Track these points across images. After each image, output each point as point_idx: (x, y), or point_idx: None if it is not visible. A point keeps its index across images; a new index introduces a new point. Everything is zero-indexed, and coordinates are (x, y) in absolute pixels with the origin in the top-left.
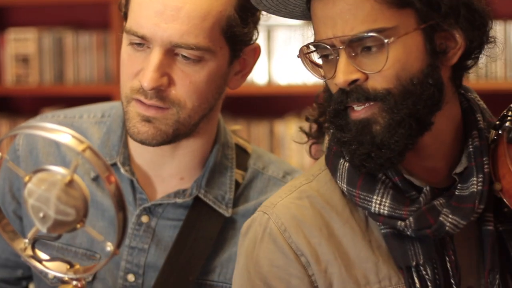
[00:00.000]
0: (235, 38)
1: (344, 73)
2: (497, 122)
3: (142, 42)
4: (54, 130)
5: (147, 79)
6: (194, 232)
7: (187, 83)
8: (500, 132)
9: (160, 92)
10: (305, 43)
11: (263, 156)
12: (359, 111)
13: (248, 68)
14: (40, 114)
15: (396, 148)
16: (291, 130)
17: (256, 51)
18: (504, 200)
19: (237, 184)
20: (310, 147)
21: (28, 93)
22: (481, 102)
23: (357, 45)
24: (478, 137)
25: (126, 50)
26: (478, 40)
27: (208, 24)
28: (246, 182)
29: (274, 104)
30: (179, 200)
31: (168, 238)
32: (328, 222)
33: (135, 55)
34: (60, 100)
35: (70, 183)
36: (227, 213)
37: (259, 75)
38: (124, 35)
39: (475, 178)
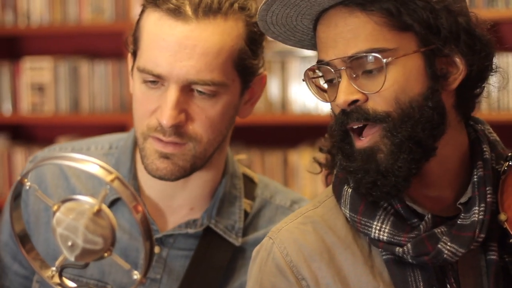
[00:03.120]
0: (246, 70)
1: (345, 93)
2: (510, 154)
3: (157, 80)
4: (83, 160)
5: (166, 117)
6: (205, 262)
7: (203, 117)
8: (510, 163)
9: (179, 129)
10: (309, 66)
11: (269, 186)
12: (363, 140)
13: (256, 96)
14: (49, 147)
15: (400, 174)
16: (305, 160)
17: (263, 79)
18: (509, 230)
19: (246, 214)
20: (326, 177)
21: (44, 122)
22: (493, 134)
23: (358, 66)
24: (483, 168)
25: (139, 88)
26: (479, 65)
27: (222, 59)
28: (255, 212)
29: (288, 134)
30: (190, 231)
31: (180, 268)
32: (330, 247)
33: (149, 92)
34: (75, 128)
35: (98, 213)
36: (237, 242)
37: (273, 105)
38: (136, 73)
39: (477, 208)
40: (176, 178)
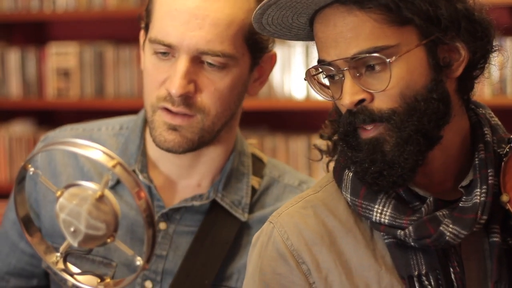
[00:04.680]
0: (256, 45)
1: (350, 94)
2: (511, 136)
3: (167, 51)
4: (86, 146)
5: (175, 85)
6: (210, 236)
7: (212, 89)
8: None
9: (187, 99)
10: (311, 66)
11: (278, 166)
12: (369, 130)
13: (265, 75)
14: (59, 127)
15: (406, 165)
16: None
17: (273, 59)
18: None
19: (254, 191)
20: (327, 164)
21: (69, 107)
22: (495, 118)
23: (361, 65)
24: (484, 150)
25: (150, 59)
26: (482, 50)
27: (232, 31)
28: (263, 189)
29: (312, 119)
30: (196, 203)
31: (186, 244)
32: (331, 231)
33: (160, 64)
34: (100, 113)
35: (101, 198)
36: (243, 217)
37: (297, 90)
38: (147, 45)
39: (478, 190)
40: (184, 151)
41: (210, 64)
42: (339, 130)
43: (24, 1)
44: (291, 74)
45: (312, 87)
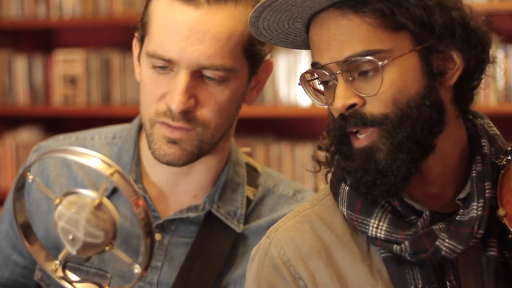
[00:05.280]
0: (254, 56)
1: (342, 98)
2: (509, 148)
3: (166, 65)
4: (84, 154)
5: (176, 101)
6: (206, 247)
7: (213, 103)
8: (509, 157)
9: (188, 114)
10: (304, 71)
11: (272, 175)
12: (361, 139)
13: (262, 82)
14: (53, 137)
15: (399, 173)
16: None
17: (269, 66)
18: (508, 226)
19: (248, 201)
20: (326, 175)
21: (76, 114)
22: (493, 128)
23: (354, 69)
24: (482, 162)
25: (148, 73)
26: (476, 59)
27: (232, 44)
28: (258, 199)
29: (318, 127)
30: (191, 215)
31: (181, 255)
32: (327, 246)
33: (158, 78)
34: (107, 120)
35: (99, 206)
36: (238, 228)
37: (302, 98)
38: (144, 58)
39: (475, 203)
40: (184, 163)
41: (210, 78)
42: (332, 136)
43: (31, 8)
44: (297, 81)
45: (306, 92)
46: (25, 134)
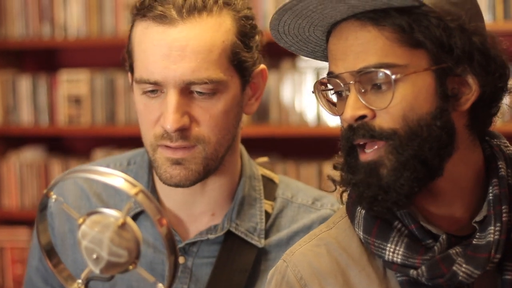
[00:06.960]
0: (242, 64)
1: (352, 108)
2: None
3: (155, 89)
4: (108, 174)
5: (170, 121)
6: (228, 265)
7: (207, 118)
8: None
9: (184, 132)
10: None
11: (290, 185)
12: (368, 153)
13: (259, 90)
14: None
15: (402, 191)
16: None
17: (263, 73)
18: None
19: (267, 215)
20: (341, 195)
21: (80, 134)
22: (510, 148)
23: (367, 81)
24: (498, 185)
25: (140, 100)
26: (493, 86)
27: (215, 56)
28: (277, 212)
29: (323, 146)
30: (211, 236)
31: (206, 276)
32: (344, 270)
33: (150, 102)
34: (111, 140)
35: (123, 226)
36: (259, 244)
37: (308, 117)
38: (135, 86)
39: (492, 227)
40: (192, 183)
41: (199, 92)
42: (341, 148)
43: (35, 28)
44: (302, 100)
45: (318, 101)
46: (29, 154)
